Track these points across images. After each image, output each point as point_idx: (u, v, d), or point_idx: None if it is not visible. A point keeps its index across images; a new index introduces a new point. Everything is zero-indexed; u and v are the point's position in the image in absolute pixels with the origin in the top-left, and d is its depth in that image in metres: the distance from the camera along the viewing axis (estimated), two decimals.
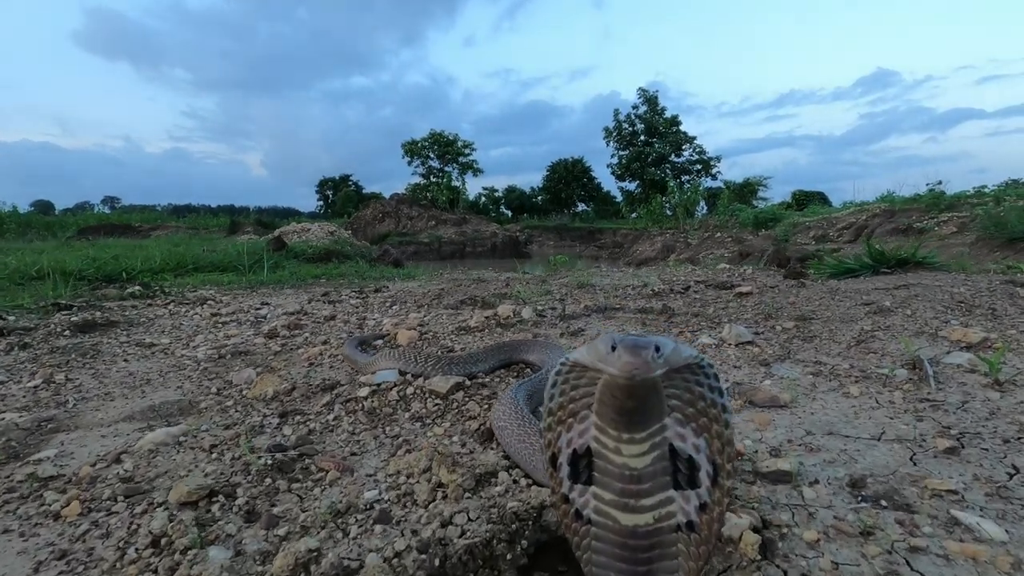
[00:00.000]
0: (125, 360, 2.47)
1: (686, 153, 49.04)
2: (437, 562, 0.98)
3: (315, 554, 1.01)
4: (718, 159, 48.99)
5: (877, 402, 1.63)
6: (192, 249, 8.31)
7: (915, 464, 1.27)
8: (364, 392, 1.81)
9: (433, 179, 48.62)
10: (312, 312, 3.48)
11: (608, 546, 0.76)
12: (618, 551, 0.75)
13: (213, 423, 1.71)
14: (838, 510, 1.10)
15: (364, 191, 60.82)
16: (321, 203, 68.17)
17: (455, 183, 46.32)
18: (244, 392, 1.98)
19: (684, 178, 46.24)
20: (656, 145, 48.36)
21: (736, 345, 2.22)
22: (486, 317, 2.84)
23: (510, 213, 54.55)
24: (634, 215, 38.62)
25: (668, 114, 48.58)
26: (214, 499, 1.24)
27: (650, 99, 48.55)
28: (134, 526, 1.16)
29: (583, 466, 0.79)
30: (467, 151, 49.75)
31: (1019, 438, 1.36)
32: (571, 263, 7.13)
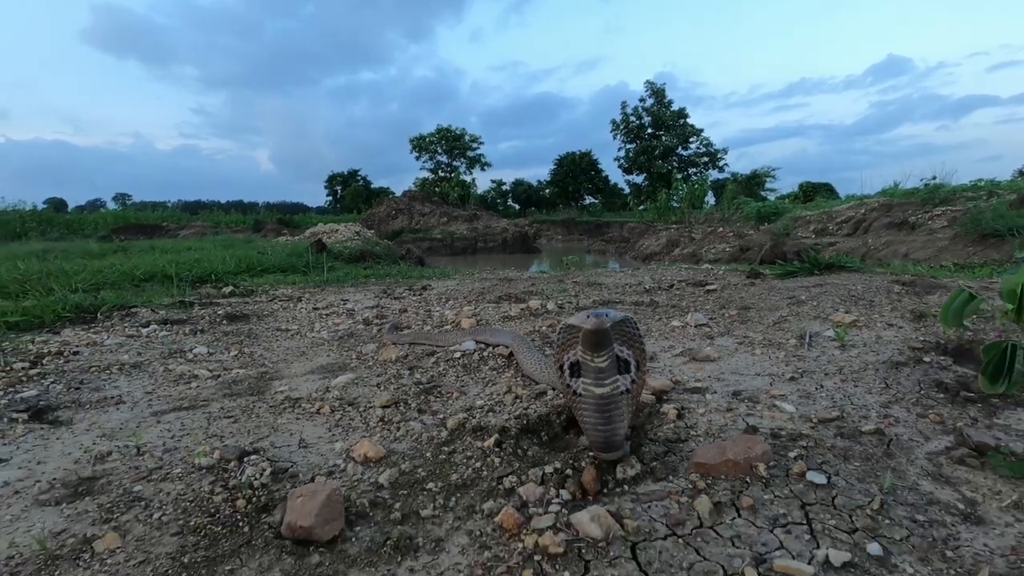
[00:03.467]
0: (277, 340, 3.60)
1: (693, 146, 49.46)
2: (524, 422, 2.09)
3: (465, 419, 2.12)
4: (725, 151, 49.41)
5: (769, 358, 2.72)
6: (248, 251, 9.46)
7: (771, 385, 2.36)
8: (457, 355, 2.93)
9: (442, 174, 49.48)
10: (387, 306, 4.60)
11: (591, 405, 1.85)
12: (596, 406, 1.83)
13: (370, 373, 2.83)
14: (719, 403, 2.19)
15: (373, 186, 61.73)
16: (330, 198, 69.03)
17: (464, 178, 47.19)
18: (375, 358, 3.10)
19: (691, 171, 46.79)
20: (663, 138, 48.89)
21: (695, 326, 3.31)
22: (521, 309, 3.95)
23: (518, 207, 55.34)
24: (641, 208, 39.41)
25: (675, 106, 48.99)
26: (398, 405, 2.35)
27: (657, 91, 48.98)
28: (364, 415, 2.28)
29: (575, 369, 1.83)
30: (475, 145, 50.54)
31: (834, 373, 2.44)
32: (581, 262, 8.20)
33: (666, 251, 22.13)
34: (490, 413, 2.22)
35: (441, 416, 2.21)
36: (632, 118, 49.06)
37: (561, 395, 2.30)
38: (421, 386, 2.54)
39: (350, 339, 3.60)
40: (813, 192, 37.08)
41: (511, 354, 2.86)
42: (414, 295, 5.18)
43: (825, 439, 1.84)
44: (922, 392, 2.21)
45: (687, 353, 2.85)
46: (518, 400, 2.33)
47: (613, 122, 49.84)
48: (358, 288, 6.07)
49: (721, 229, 21.36)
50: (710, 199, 31.80)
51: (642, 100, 48.78)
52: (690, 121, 48.27)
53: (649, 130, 48.78)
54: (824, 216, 21.00)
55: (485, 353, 2.95)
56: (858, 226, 18.88)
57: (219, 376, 2.85)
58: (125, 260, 8.07)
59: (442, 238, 29.34)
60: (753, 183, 41.19)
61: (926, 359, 2.51)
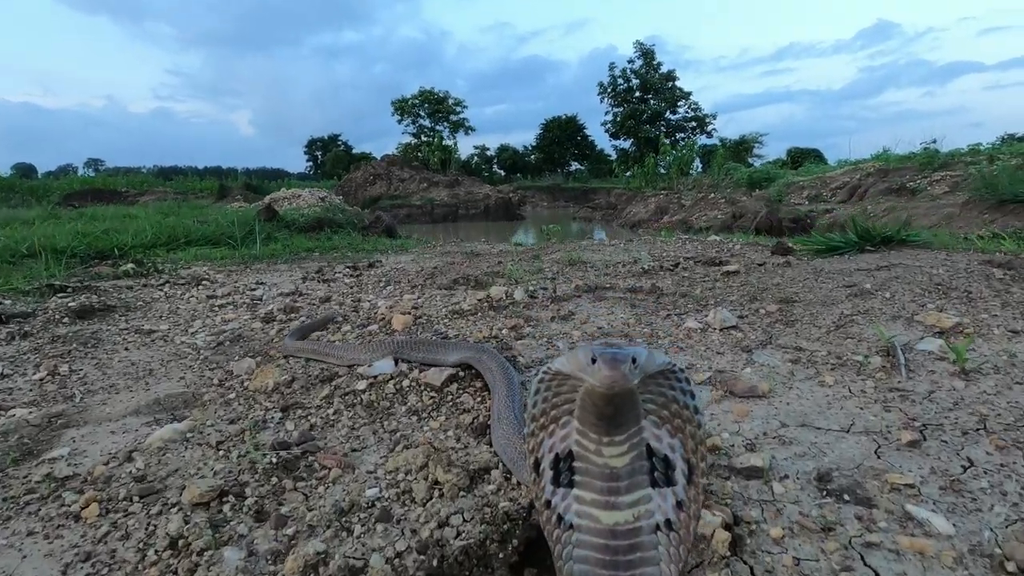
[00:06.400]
0: (126, 349, 2.52)
1: (681, 110, 48.24)
2: (435, 562, 1.07)
3: (323, 556, 1.10)
4: (713, 116, 48.27)
5: (850, 391, 1.72)
6: (183, 220, 8.24)
7: (879, 457, 1.36)
8: (362, 385, 1.89)
9: (424, 138, 47.79)
10: (307, 293, 3.52)
11: (590, 551, 0.81)
12: (600, 555, 0.80)
13: (218, 418, 1.78)
14: (804, 506, 1.19)
15: (354, 151, 59.90)
16: (310, 164, 67.13)
17: (447, 142, 45.55)
18: (245, 384, 2.04)
19: (679, 135, 45.69)
20: (651, 102, 47.56)
21: (720, 330, 2.29)
22: (479, 300, 2.90)
23: (503, 172, 53.90)
24: (628, 174, 38.33)
25: (664, 69, 47.49)
26: (224, 499, 1.32)
27: (646, 53, 47.33)
28: (151, 527, 1.24)
29: (564, 469, 0.85)
30: (458, 109, 48.75)
31: (977, 430, 1.45)
32: (564, 231, 7.14)
33: (655, 218, 21.17)
34: (379, 525, 1.20)
35: (289, 534, 1.18)
36: (620, 81, 47.46)
37: (522, 484, 1.29)
38: (282, 453, 1.50)
39: (232, 346, 2.53)
40: (801, 158, 36.24)
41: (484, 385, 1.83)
42: (351, 276, 4.09)
43: None
44: None
45: (719, 380, 1.84)
46: (436, 490, 1.30)
47: (601, 85, 48.22)
48: (290, 265, 4.96)
49: (712, 196, 20.40)
50: (698, 166, 30.80)
51: (631, 62, 47.11)
52: (679, 84, 46.82)
53: (637, 93, 47.30)
54: (818, 182, 20.13)
55: (407, 382, 1.90)
56: (853, 192, 18.04)
57: None
58: (37, 229, 6.82)
59: (421, 205, 28.03)
60: (741, 149, 40.24)
61: None
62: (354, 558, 1.10)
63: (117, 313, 3.07)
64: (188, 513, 1.27)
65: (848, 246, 3.24)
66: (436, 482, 1.33)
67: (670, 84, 46.61)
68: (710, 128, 47.45)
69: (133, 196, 24.83)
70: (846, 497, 1.21)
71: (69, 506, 1.34)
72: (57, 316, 2.93)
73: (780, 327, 2.30)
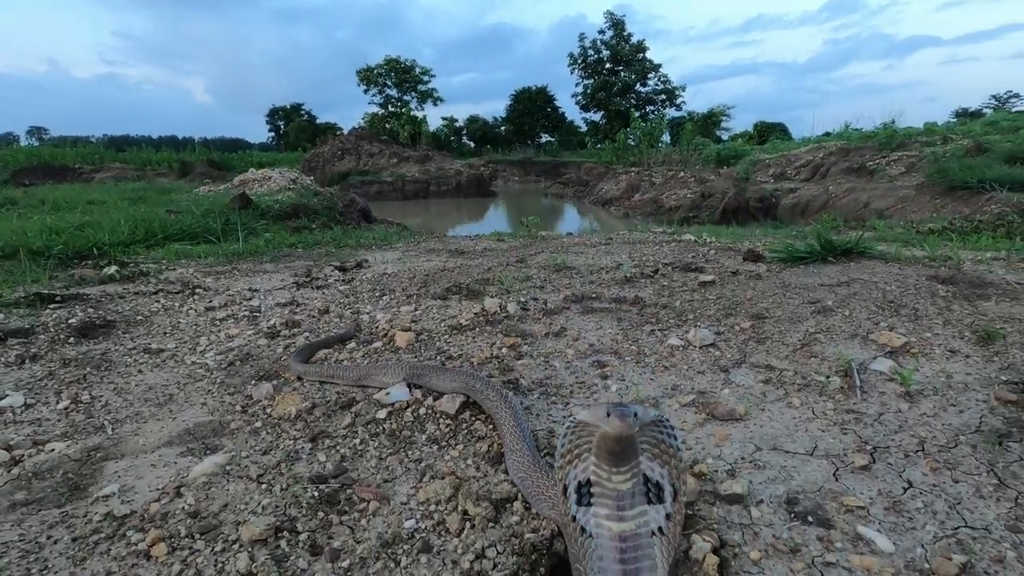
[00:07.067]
0: (139, 371, 2.63)
1: (651, 82, 48.29)
2: None
3: None
4: (682, 88, 48.49)
5: (813, 412, 1.99)
6: (155, 210, 8.08)
7: (837, 480, 1.63)
8: (383, 414, 2.07)
9: (392, 109, 46.67)
10: (304, 303, 3.63)
11: (606, 553, 1.10)
12: (612, 554, 1.09)
13: (251, 448, 1.94)
14: (776, 528, 1.44)
15: (318, 121, 58.20)
16: (272, 134, 64.98)
17: (415, 113, 44.54)
18: (268, 411, 2.20)
19: (649, 108, 45.83)
20: (622, 74, 47.43)
21: (700, 348, 2.54)
22: (475, 313, 3.08)
23: (472, 144, 53.23)
24: (599, 147, 38.47)
25: (635, 39, 47.26)
26: (280, 535, 1.49)
27: (617, 23, 46.96)
28: (219, 564, 1.41)
29: (585, 492, 1.14)
30: (426, 78, 47.63)
31: (916, 452, 1.73)
32: (543, 221, 7.31)
33: (626, 196, 21.51)
34: (422, 556, 1.40)
35: (344, 567, 1.38)
36: (591, 52, 47.10)
37: (541, 515, 1.51)
38: (321, 487, 1.68)
39: (244, 366, 2.66)
40: (767, 132, 37.01)
41: (490, 419, 2.02)
42: (343, 282, 4.20)
43: None
44: None
45: (700, 402, 2.08)
46: (468, 523, 1.51)
47: (571, 56, 47.81)
48: (277, 265, 5.01)
49: (682, 174, 20.79)
50: (667, 139, 31.15)
51: (601, 32, 46.72)
52: (649, 55, 46.76)
53: (608, 65, 47.08)
54: (783, 160, 20.73)
55: (423, 409, 2.09)
56: (816, 170, 18.70)
57: (21, 460, 1.90)
58: (2, 223, 6.63)
59: (392, 181, 27.67)
60: (709, 122, 40.76)
61: None
62: None
63: (120, 329, 3.14)
64: (251, 550, 1.44)
65: (812, 255, 3.53)
66: (466, 513, 1.54)
67: (640, 56, 46.54)
68: (679, 101, 47.72)
69: (88, 173, 23.75)
70: (810, 519, 1.47)
71: (136, 544, 1.50)
72: (61, 336, 2.98)
73: (753, 344, 2.56)
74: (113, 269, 4.66)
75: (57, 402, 2.32)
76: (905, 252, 3.70)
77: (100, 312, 3.39)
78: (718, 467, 1.70)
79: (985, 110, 38.77)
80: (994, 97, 47.74)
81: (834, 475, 1.65)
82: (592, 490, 1.13)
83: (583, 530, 1.13)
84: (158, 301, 3.69)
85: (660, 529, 1.12)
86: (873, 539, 1.38)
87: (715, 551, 1.36)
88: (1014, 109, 37.41)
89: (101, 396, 2.38)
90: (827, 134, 24.46)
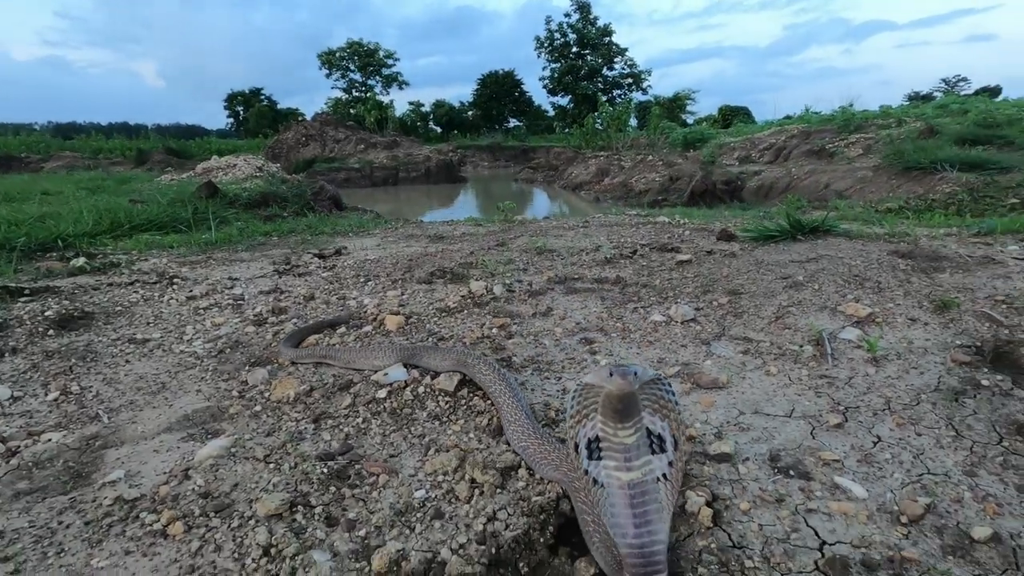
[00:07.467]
0: (127, 361, 2.60)
1: (618, 66, 48.46)
2: (494, 550, 1.36)
3: (402, 552, 1.37)
4: (648, 72, 48.81)
5: (789, 379, 2.13)
6: (116, 199, 7.81)
7: (814, 438, 1.77)
8: (383, 393, 2.12)
9: (356, 93, 45.68)
10: (288, 290, 3.62)
11: (616, 499, 1.19)
12: (623, 500, 1.19)
13: (253, 431, 1.97)
14: (762, 482, 1.57)
15: (279, 106, 56.49)
16: (231, 120, 62.77)
17: (381, 98, 43.70)
18: (266, 395, 2.22)
19: (615, 92, 46.03)
20: (588, 58, 47.47)
21: (682, 323, 2.67)
22: (462, 296, 3.13)
23: (439, 130, 52.57)
24: (567, 131, 38.57)
25: (600, 23, 47.28)
26: (295, 509, 1.55)
27: (582, 7, 46.85)
28: (238, 539, 1.46)
29: (594, 448, 1.24)
30: (390, 62, 46.74)
31: (883, 410, 1.89)
32: (517, 208, 7.36)
33: (596, 180, 21.68)
34: (435, 522, 1.48)
35: (361, 535, 1.44)
36: (557, 35, 46.96)
37: (544, 479, 1.60)
38: (329, 463, 1.73)
39: (234, 353, 2.66)
40: (732, 115, 37.76)
41: (485, 394, 2.10)
42: (324, 269, 4.20)
43: (935, 564, 1.26)
44: (1005, 444, 1.69)
45: (686, 373, 2.21)
46: (477, 490, 1.59)
47: (537, 39, 47.62)
48: (253, 254, 4.95)
49: (651, 158, 21.05)
50: (633, 123, 31.43)
51: (567, 16, 46.58)
52: (615, 39, 46.88)
53: (575, 49, 47.04)
54: (747, 143, 21.23)
55: (421, 388, 2.15)
56: (779, 153, 19.19)
57: (17, 451, 1.89)
58: None
59: (360, 168, 27.18)
60: (675, 106, 41.25)
61: (984, 381, 2.00)
62: (424, 551, 1.38)
63: (100, 321, 3.09)
64: (268, 524, 1.49)
65: (783, 234, 3.70)
66: (474, 481, 1.62)
67: (606, 39, 46.67)
68: (645, 85, 48.08)
69: (36, 163, 22.58)
70: (792, 472, 1.60)
71: (151, 525, 1.53)
72: (39, 329, 2.92)
73: (731, 319, 2.70)
74: (82, 261, 4.52)
75: (46, 394, 2.29)
76: (867, 230, 3.92)
77: (76, 304, 3.31)
78: (706, 430, 1.82)
79: (936, 93, 40.34)
80: (944, 81, 49.65)
81: (811, 433, 1.79)
82: (601, 445, 1.22)
83: (595, 481, 1.23)
84: (136, 292, 3.62)
85: (664, 475, 1.22)
86: (848, 487, 1.52)
87: (708, 504, 1.48)
88: (962, 92, 38.99)
89: (91, 387, 2.36)
90: (788, 117, 25.12)
